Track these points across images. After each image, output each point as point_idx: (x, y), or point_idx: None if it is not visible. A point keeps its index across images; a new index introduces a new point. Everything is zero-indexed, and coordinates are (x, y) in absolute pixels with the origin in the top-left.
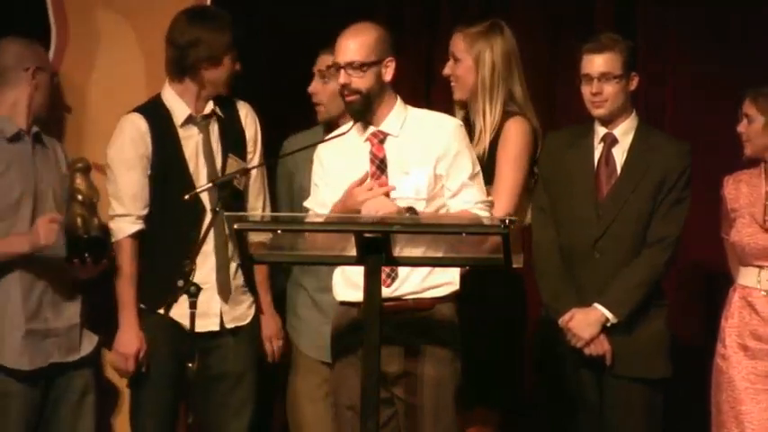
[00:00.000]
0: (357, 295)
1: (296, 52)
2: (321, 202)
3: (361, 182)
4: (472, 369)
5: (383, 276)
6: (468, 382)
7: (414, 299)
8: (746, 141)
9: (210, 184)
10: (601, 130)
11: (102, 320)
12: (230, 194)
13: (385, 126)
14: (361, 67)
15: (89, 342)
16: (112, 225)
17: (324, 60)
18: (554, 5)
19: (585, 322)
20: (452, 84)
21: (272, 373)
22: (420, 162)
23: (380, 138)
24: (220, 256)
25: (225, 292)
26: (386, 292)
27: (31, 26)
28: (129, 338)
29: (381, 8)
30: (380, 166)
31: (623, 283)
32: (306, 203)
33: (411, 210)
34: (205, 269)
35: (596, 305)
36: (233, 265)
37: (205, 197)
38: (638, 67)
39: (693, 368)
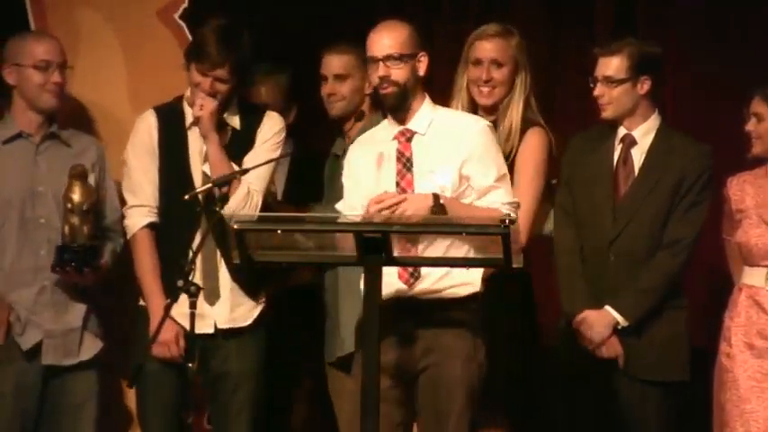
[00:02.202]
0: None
1: (297, 53)
2: (351, 205)
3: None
4: (486, 374)
5: (407, 276)
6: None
7: (433, 298)
8: (756, 139)
9: (210, 185)
10: (621, 131)
11: (106, 326)
12: (221, 199)
13: (413, 124)
14: (401, 58)
15: (91, 347)
16: (127, 221)
17: None
18: (554, 5)
19: (596, 324)
20: (489, 89)
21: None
22: (446, 162)
23: (408, 136)
24: (207, 261)
25: (211, 296)
26: (406, 291)
27: (10, 26)
28: (164, 327)
29: (383, 8)
30: (406, 164)
31: (636, 287)
32: (337, 206)
33: (436, 197)
34: (198, 273)
35: (607, 308)
36: (225, 270)
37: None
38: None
39: (696, 369)
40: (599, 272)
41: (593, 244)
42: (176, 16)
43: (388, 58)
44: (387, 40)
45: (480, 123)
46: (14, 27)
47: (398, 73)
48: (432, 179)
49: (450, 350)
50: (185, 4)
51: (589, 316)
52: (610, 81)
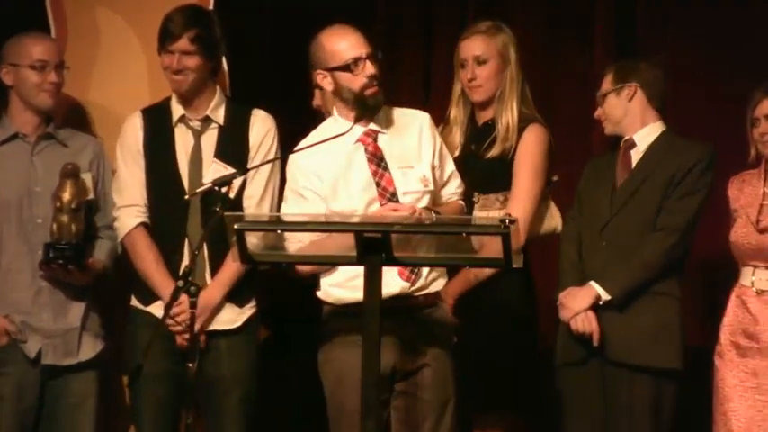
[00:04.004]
0: (354, 296)
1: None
2: (311, 213)
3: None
4: (486, 372)
5: (408, 273)
6: (482, 385)
7: (423, 294)
8: None
9: (210, 185)
10: (624, 137)
11: (106, 326)
12: (220, 199)
13: (375, 124)
14: (378, 54)
15: (90, 347)
16: (117, 223)
17: None
18: (554, 7)
19: (578, 297)
20: (478, 87)
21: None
22: (420, 155)
23: (373, 136)
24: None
25: None
26: (406, 288)
27: (30, 27)
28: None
29: (381, 10)
30: (380, 163)
31: (622, 264)
32: (288, 213)
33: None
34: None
35: (591, 282)
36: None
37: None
38: None
39: (695, 369)
40: (592, 258)
41: (590, 232)
42: None
43: (370, 56)
44: (362, 38)
45: (426, 115)
46: (35, 28)
47: (380, 72)
48: (412, 173)
49: (442, 345)
50: (210, 8)
51: (572, 290)
52: (602, 96)
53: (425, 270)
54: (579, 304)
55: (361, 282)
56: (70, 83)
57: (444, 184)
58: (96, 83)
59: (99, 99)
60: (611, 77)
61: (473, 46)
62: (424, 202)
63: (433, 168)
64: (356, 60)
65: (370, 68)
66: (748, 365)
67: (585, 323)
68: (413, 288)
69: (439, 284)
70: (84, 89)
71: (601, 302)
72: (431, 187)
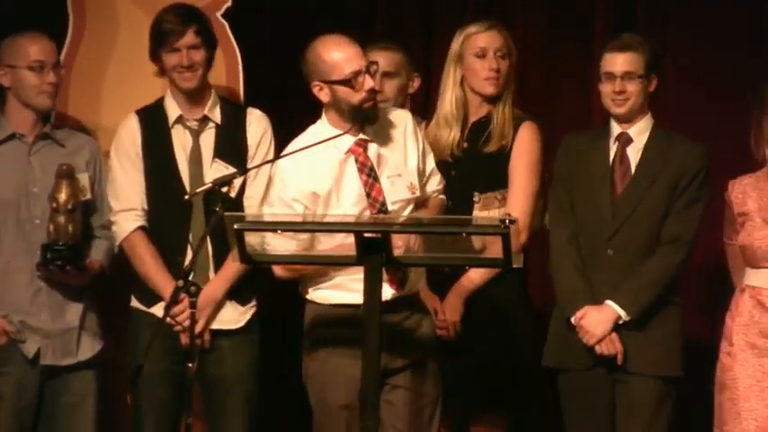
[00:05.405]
0: (350, 298)
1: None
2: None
3: None
4: (486, 373)
5: (397, 283)
6: (482, 385)
7: (407, 296)
8: None
9: (210, 185)
10: (615, 130)
11: (105, 326)
12: (221, 199)
13: (363, 132)
14: (373, 68)
15: (89, 347)
16: (115, 227)
17: None
18: (554, 6)
19: (598, 319)
20: (496, 80)
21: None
22: (407, 161)
23: (364, 146)
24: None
25: None
26: (396, 295)
27: (50, 19)
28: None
29: (380, 8)
30: (370, 173)
31: (637, 281)
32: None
33: None
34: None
35: (609, 302)
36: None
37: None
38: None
39: (695, 369)
40: (596, 267)
41: (591, 240)
42: (219, 15)
43: (368, 68)
44: (359, 49)
45: (409, 115)
46: (54, 20)
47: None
48: (400, 181)
49: (429, 344)
50: (228, 4)
51: (590, 311)
52: (633, 76)
53: (412, 276)
54: (602, 328)
55: (352, 283)
56: (87, 71)
57: (426, 182)
58: (114, 76)
59: (114, 92)
60: (644, 60)
61: (494, 38)
62: (411, 208)
63: (419, 170)
64: (356, 74)
65: (369, 82)
66: (765, 366)
67: (611, 347)
68: (402, 294)
69: (421, 283)
70: (100, 80)
71: (621, 322)
72: (418, 193)
